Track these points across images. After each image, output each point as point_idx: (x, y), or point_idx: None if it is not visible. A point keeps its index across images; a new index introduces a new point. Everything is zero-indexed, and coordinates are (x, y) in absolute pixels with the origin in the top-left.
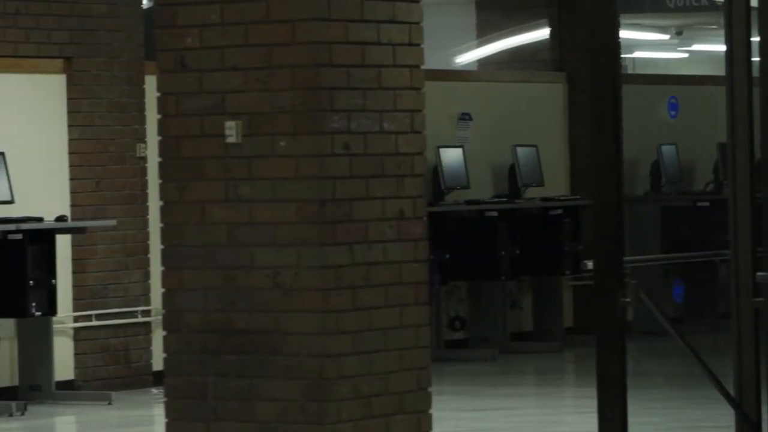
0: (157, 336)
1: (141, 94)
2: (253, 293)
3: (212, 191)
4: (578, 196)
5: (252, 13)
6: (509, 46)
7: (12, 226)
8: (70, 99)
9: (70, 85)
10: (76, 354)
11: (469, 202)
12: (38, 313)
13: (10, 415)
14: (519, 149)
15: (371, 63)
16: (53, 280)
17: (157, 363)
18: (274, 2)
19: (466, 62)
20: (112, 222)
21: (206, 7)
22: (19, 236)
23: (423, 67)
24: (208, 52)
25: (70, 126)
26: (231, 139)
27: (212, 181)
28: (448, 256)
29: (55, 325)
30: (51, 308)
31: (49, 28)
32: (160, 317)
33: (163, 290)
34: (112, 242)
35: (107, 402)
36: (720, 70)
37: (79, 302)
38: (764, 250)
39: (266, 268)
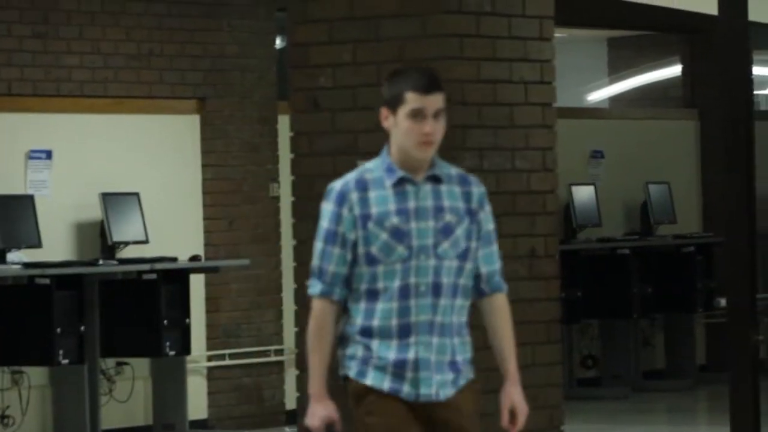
0: (290, 375)
1: (274, 133)
2: None
3: None
4: (710, 234)
5: (384, 52)
6: (641, 83)
7: (146, 266)
8: (203, 139)
9: (204, 125)
10: (209, 393)
11: (600, 240)
12: (172, 353)
13: None
14: (651, 186)
15: (503, 101)
16: (187, 320)
17: (290, 402)
18: (407, 41)
19: (598, 99)
20: (245, 261)
21: (339, 47)
22: (154, 276)
23: (555, 104)
24: (340, 92)
25: (203, 166)
26: None
27: None
28: (580, 294)
29: (188, 365)
30: (185, 347)
31: (182, 68)
32: (293, 356)
33: (296, 329)
34: (245, 281)
35: None
36: None
37: (212, 341)
38: None
39: None
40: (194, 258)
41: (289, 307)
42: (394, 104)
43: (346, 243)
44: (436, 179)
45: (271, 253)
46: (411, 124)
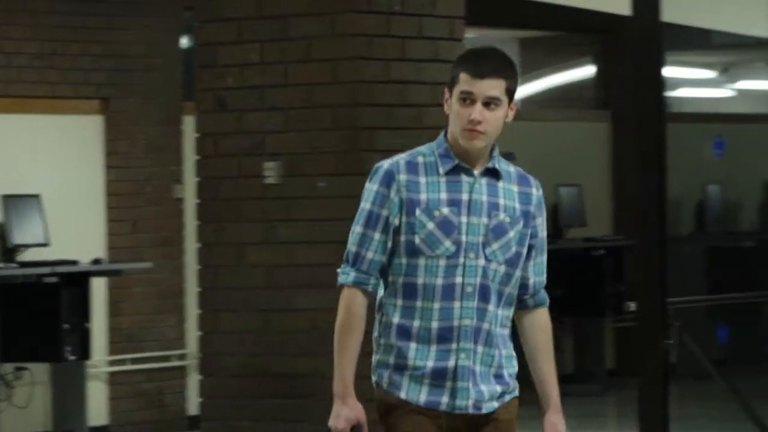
0: (192, 380)
1: (178, 134)
2: (291, 336)
3: (250, 233)
4: (621, 237)
5: (292, 52)
6: (553, 85)
7: (47, 269)
8: (107, 140)
9: (107, 125)
10: (110, 398)
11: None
12: (72, 357)
13: None
14: (561, 189)
15: (412, 102)
16: (87, 324)
17: (192, 407)
18: (315, 41)
19: None
20: (148, 264)
21: (246, 47)
22: (55, 279)
23: None
24: (247, 92)
25: (106, 167)
26: (270, 180)
27: (250, 222)
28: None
29: (89, 370)
30: (85, 352)
31: (86, 68)
32: (195, 361)
33: (199, 333)
34: (148, 285)
35: None
36: (766, 108)
37: (114, 346)
38: None
39: (304, 310)
40: (96, 261)
41: (192, 311)
42: (451, 84)
43: (388, 228)
44: (494, 173)
45: (174, 256)
46: (459, 108)
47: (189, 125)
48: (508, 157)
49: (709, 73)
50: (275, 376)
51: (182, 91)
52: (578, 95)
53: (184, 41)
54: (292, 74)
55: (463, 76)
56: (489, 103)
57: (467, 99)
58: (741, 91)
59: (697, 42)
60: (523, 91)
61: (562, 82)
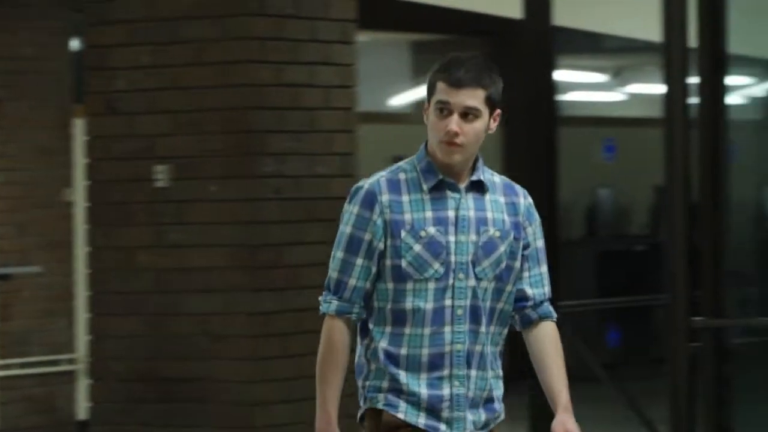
0: (82, 384)
1: (68, 137)
2: (181, 340)
3: (140, 236)
4: None
5: (183, 55)
6: None
7: None
8: None
9: None
10: None
11: None
12: None
13: None
14: None
15: (304, 105)
16: None
17: (82, 412)
18: (205, 44)
19: (401, 104)
20: (37, 269)
21: (136, 49)
22: None
23: (357, 109)
24: (138, 95)
25: None
26: (160, 184)
27: (140, 226)
28: None
29: None
30: None
31: None
32: (85, 365)
33: (88, 337)
34: (37, 289)
35: None
36: (658, 112)
37: (2, 350)
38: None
39: (195, 314)
40: None
41: (82, 315)
42: (428, 93)
43: (372, 253)
44: (479, 186)
45: (64, 260)
46: (436, 119)
47: (79, 128)
48: (398, 160)
49: (600, 77)
50: (165, 381)
51: (73, 94)
52: None
53: (75, 44)
54: (182, 77)
55: (440, 86)
56: (467, 113)
57: (444, 110)
58: (632, 95)
59: (589, 45)
60: (416, 94)
61: None
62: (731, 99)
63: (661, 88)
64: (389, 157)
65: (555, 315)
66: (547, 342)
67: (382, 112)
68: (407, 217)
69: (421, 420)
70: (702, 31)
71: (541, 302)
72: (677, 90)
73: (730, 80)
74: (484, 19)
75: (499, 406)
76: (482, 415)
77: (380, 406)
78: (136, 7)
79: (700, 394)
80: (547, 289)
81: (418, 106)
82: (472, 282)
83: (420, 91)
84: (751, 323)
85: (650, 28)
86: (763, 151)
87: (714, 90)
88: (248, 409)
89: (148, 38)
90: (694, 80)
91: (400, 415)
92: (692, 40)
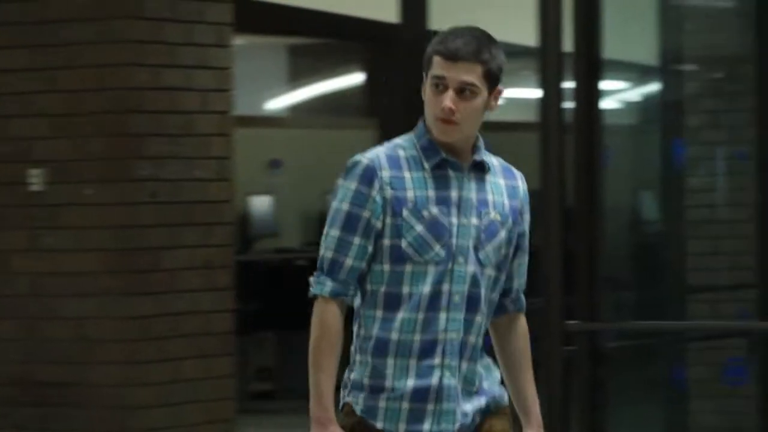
0: None
1: None
2: (56, 344)
3: (15, 240)
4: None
5: (60, 57)
6: (321, 92)
7: None
8: None
9: None
10: None
11: (278, 251)
12: None
13: None
14: (330, 197)
15: (181, 109)
16: None
17: None
18: (84, 46)
19: (278, 108)
20: None
21: (12, 51)
22: None
23: (233, 113)
24: (13, 98)
25: None
26: (35, 187)
27: (15, 230)
28: (256, 305)
29: None
30: None
31: None
32: None
33: None
34: None
35: None
36: (533, 116)
37: None
38: (575, 299)
39: (70, 318)
40: None
41: None
42: (425, 67)
43: (369, 231)
44: (481, 167)
45: None
46: (431, 94)
47: None
48: (275, 164)
49: None
50: (40, 385)
51: None
52: (346, 102)
53: None
54: (59, 80)
55: (436, 59)
56: (463, 89)
57: (439, 85)
58: (508, 100)
59: None
60: (292, 98)
61: (330, 89)
62: (606, 103)
63: (536, 93)
64: (266, 161)
65: (525, 307)
66: (522, 339)
67: (259, 116)
68: (410, 194)
69: (402, 426)
70: (577, 36)
71: (521, 293)
72: (552, 94)
73: (605, 85)
74: (361, 24)
75: (494, 389)
76: (472, 407)
77: (359, 411)
78: (12, 9)
79: (574, 398)
80: (525, 279)
81: (295, 109)
82: (471, 268)
83: (296, 95)
84: (626, 327)
85: (526, 33)
86: (638, 156)
87: (589, 94)
88: (124, 413)
89: (24, 41)
90: (569, 85)
91: (378, 425)
92: (567, 44)
